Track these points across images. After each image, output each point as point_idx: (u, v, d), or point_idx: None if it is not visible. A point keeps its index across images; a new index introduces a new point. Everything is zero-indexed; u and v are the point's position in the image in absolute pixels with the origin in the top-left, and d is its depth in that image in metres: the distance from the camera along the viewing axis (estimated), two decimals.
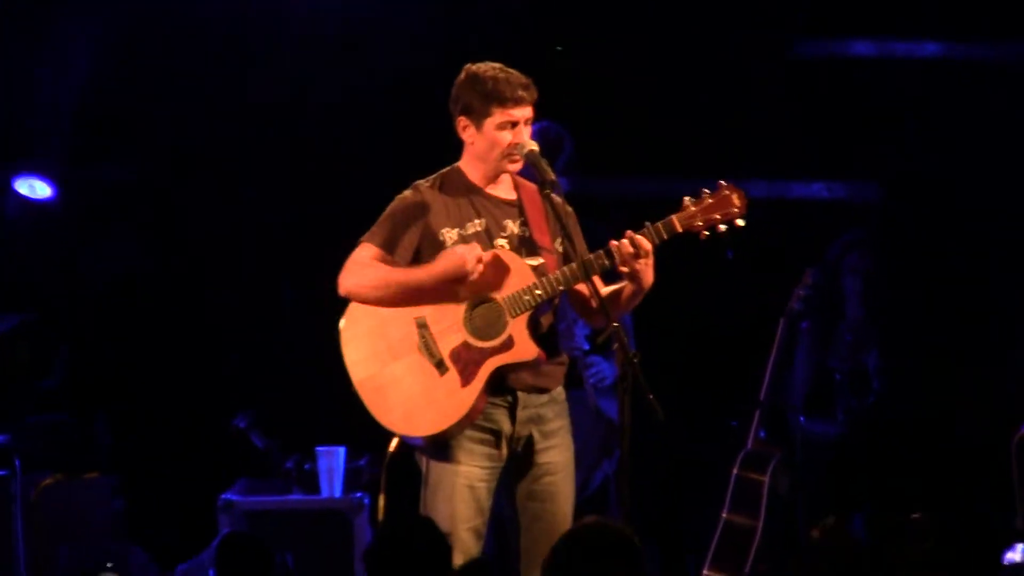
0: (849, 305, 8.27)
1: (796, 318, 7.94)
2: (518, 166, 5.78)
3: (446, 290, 5.70)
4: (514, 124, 5.72)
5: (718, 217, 5.69)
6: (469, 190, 5.80)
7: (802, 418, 8.00)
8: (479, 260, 5.63)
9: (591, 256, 5.67)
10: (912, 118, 8.98)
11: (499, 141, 5.73)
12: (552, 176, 5.68)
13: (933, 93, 8.96)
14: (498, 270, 5.69)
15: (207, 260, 8.96)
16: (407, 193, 5.83)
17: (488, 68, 5.76)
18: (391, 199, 5.84)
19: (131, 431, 8.72)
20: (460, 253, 5.64)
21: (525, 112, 5.74)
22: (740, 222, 5.71)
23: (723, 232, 5.71)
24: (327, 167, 8.92)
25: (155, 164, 8.96)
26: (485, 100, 5.72)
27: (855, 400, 8.11)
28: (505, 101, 5.70)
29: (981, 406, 8.40)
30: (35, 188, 8.83)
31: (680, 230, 5.68)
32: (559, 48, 8.68)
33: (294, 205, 8.95)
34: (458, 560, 5.55)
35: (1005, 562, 7.19)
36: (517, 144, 5.72)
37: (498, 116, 5.72)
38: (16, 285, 8.87)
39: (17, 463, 7.80)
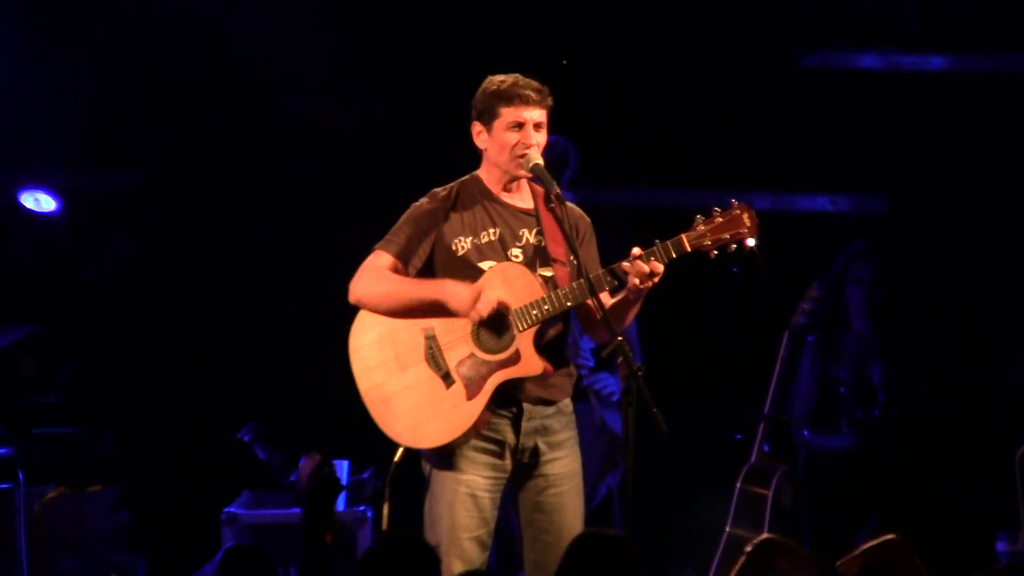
0: (853, 316, 8.25)
1: (800, 332, 7.93)
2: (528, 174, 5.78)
3: None
4: (521, 125, 5.73)
5: (727, 237, 5.67)
6: (485, 198, 5.81)
7: (806, 431, 7.98)
8: (481, 312, 5.62)
9: (599, 273, 5.67)
10: (918, 131, 8.97)
11: (507, 142, 5.74)
12: (557, 189, 5.68)
13: (939, 106, 8.96)
14: (508, 283, 5.69)
15: (209, 272, 8.96)
16: (423, 201, 5.83)
17: (503, 75, 5.80)
18: (395, 208, 5.85)
19: (135, 444, 8.72)
20: (466, 299, 5.62)
21: (534, 114, 5.74)
22: (750, 242, 5.68)
23: (733, 251, 5.68)
24: (329, 176, 8.92)
25: (157, 173, 8.96)
26: (494, 101, 5.75)
27: (860, 412, 8.09)
28: (512, 99, 5.73)
29: (985, 418, 8.39)
30: (40, 202, 8.83)
31: (689, 250, 5.66)
32: (565, 61, 8.68)
33: (297, 216, 8.95)
34: (458, 568, 5.56)
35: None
36: (526, 146, 5.71)
37: (506, 116, 5.74)
38: (21, 298, 8.87)
39: (21, 476, 7.80)
